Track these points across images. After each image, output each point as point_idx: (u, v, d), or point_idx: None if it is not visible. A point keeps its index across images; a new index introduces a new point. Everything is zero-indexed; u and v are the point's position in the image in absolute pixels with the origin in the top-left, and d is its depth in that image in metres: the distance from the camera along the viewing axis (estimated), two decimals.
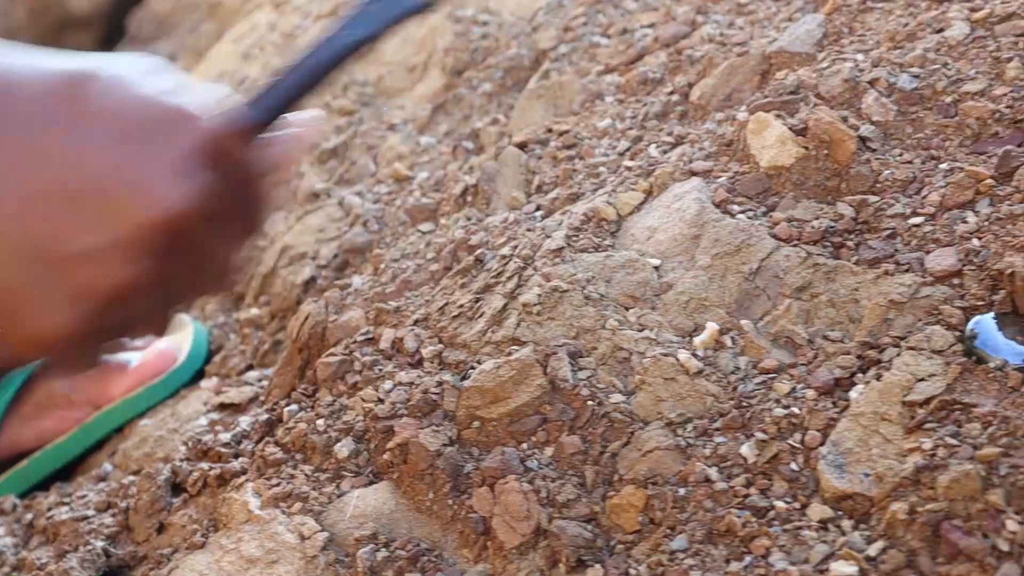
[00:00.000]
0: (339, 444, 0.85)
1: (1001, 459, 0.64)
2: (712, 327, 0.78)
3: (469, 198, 1.07)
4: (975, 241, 0.75)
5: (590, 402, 0.78)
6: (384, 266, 1.03)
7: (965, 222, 0.77)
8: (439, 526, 0.79)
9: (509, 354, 0.82)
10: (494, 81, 1.25)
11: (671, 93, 1.03)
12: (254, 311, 1.17)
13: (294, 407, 0.91)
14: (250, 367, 1.11)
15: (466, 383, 0.82)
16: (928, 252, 0.76)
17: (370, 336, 0.94)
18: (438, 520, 0.79)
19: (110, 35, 2.33)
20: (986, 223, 0.76)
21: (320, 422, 0.87)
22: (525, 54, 1.25)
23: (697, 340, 0.79)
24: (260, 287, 1.19)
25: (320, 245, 1.18)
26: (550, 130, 1.09)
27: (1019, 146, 0.80)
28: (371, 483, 0.83)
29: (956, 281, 0.74)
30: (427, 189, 1.15)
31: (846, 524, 0.67)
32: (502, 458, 0.78)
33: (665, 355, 0.78)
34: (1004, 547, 0.62)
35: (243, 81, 1.61)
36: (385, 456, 0.82)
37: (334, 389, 0.90)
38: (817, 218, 0.82)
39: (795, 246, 0.80)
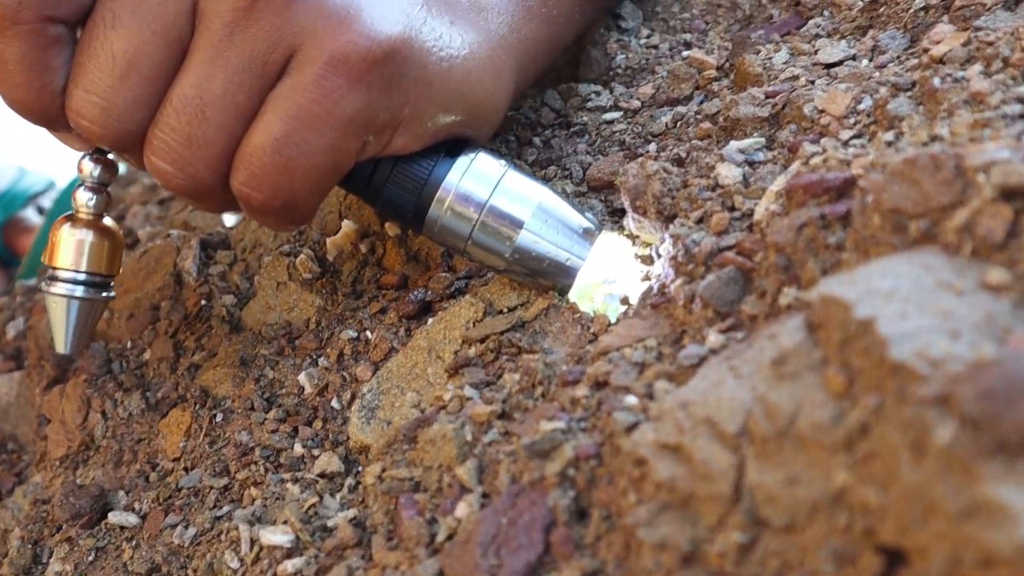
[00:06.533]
0: None
1: (495, 421, 0.47)
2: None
3: None
4: (652, 147, 0.56)
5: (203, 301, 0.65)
6: None
7: (659, 121, 0.57)
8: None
9: None
10: None
11: None
12: None
13: None
14: None
15: None
16: (604, 156, 0.58)
17: None
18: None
19: None
20: (679, 124, 0.56)
21: None
22: None
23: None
24: None
25: None
26: None
27: (785, 35, 0.59)
28: None
29: (608, 193, 0.56)
30: None
31: (349, 482, 0.51)
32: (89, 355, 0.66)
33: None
34: (441, 537, 0.44)
35: None
36: None
37: None
38: None
39: None
